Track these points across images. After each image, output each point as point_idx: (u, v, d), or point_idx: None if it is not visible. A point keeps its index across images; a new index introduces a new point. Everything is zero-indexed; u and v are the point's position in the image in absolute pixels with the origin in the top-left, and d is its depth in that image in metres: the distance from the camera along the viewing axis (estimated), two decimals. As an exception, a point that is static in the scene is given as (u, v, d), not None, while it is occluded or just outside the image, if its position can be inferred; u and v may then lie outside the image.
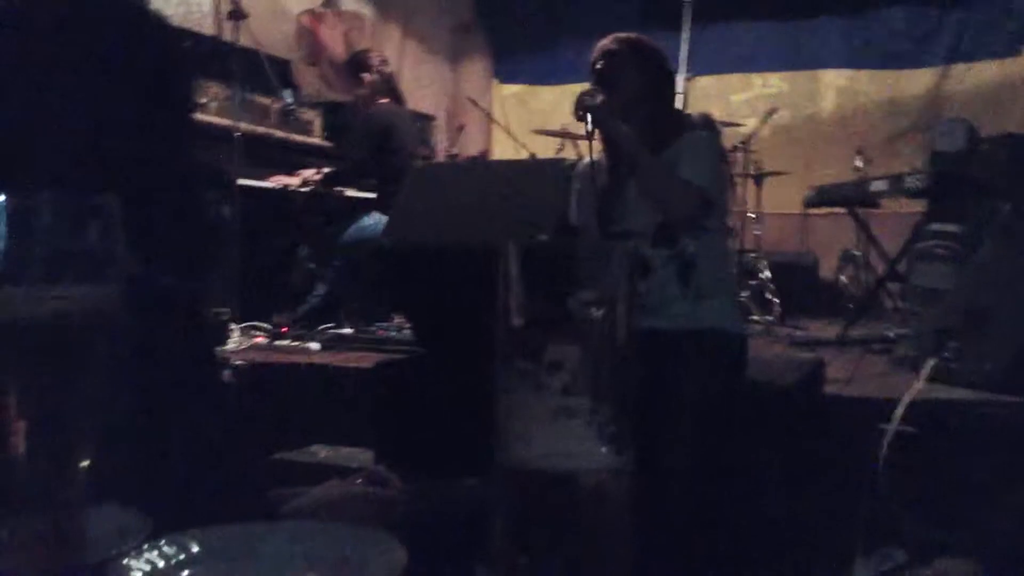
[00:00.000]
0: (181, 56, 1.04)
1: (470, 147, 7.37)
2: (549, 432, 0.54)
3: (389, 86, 4.82)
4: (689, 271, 2.54)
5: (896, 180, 4.50)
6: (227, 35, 4.45)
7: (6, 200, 0.48)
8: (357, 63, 4.84)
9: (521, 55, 8.50)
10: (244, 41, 4.36)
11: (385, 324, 4.53)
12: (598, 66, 2.69)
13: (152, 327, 0.78)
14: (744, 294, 5.35)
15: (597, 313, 0.55)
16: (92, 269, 0.50)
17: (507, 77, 8.64)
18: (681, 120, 2.79)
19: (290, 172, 4.67)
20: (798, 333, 4.80)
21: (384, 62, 4.89)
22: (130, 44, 0.90)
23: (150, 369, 0.81)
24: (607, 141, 2.67)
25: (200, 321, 1.11)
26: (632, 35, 2.80)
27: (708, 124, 2.85)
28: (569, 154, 6.04)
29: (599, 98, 2.59)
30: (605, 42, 2.78)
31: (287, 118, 4.87)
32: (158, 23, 0.98)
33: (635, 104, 2.62)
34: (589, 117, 2.56)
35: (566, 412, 0.54)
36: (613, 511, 0.56)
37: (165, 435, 0.90)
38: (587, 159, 2.78)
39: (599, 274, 0.57)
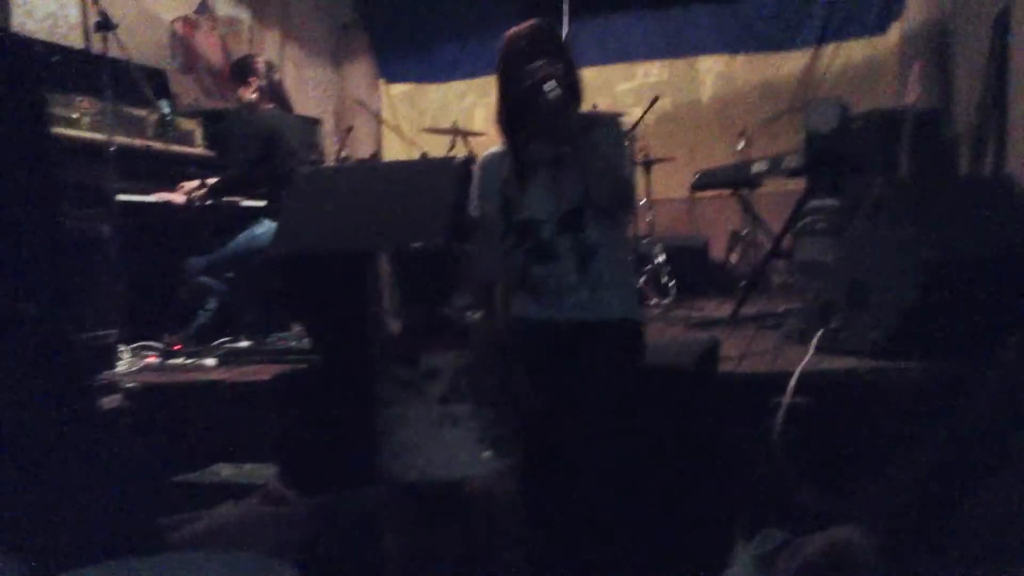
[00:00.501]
0: (30, 70, 0.98)
1: (360, 149, 7.30)
2: (432, 441, 0.53)
3: (275, 92, 4.73)
4: (590, 260, 2.56)
5: (775, 160, 4.67)
6: (96, 47, 4.27)
7: None
8: (242, 69, 4.73)
9: (406, 54, 8.45)
10: (114, 52, 4.19)
11: (284, 334, 4.44)
12: (531, 45, 2.59)
13: (12, 359, 0.74)
14: (640, 279, 5.46)
15: (473, 317, 0.55)
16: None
17: (393, 76, 8.57)
18: (587, 115, 2.76)
19: (172, 185, 4.52)
20: (693, 314, 4.91)
21: (271, 67, 4.79)
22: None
23: (15, 403, 0.77)
24: (527, 125, 2.62)
25: (69, 347, 1.05)
26: (551, 23, 2.73)
27: (614, 121, 2.83)
28: (460, 151, 6.04)
29: (560, 66, 2.52)
30: (524, 28, 2.67)
31: (165, 129, 4.71)
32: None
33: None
34: (554, 84, 2.47)
35: (447, 420, 0.53)
36: (501, 513, 0.56)
37: (40, 472, 0.85)
38: (493, 149, 2.75)
39: (472, 277, 0.57)
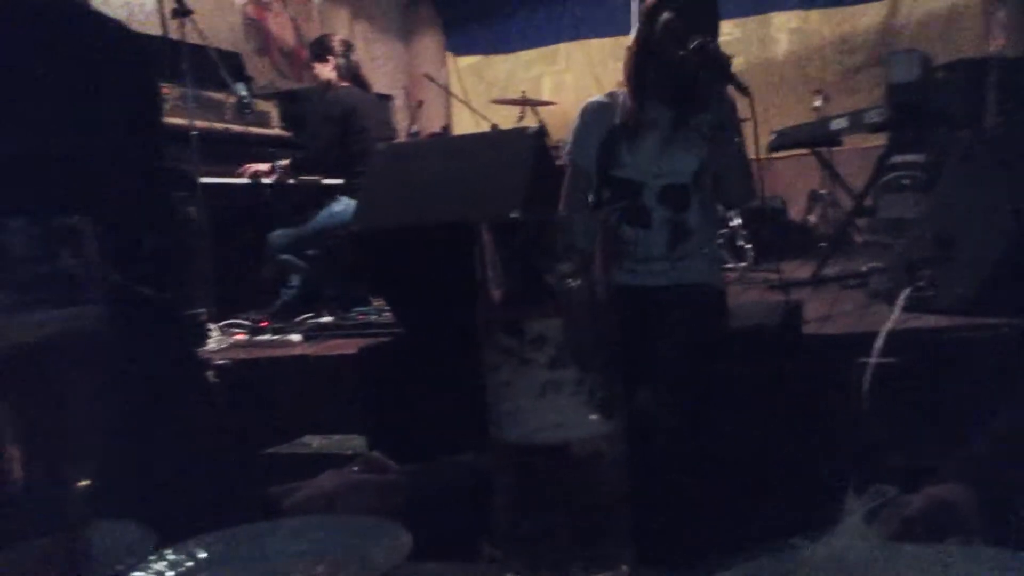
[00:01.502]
0: (150, 65, 1.03)
1: (430, 123, 7.34)
2: (539, 406, 0.54)
3: (352, 71, 4.79)
4: (683, 238, 2.51)
5: (856, 116, 4.53)
6: (173, 33, 4.38)
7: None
8: (320, 48, 4.80)
9: (473, 26, 8.45)
10: (191, 38, 4.31)
11: (365, 308, 4.52)
12: (689, 6, 2.46)
13: (134, 338, 0.78)
14: (718, 243, 5.38)
15: (575, 284, 0.56)
16: (70, 292, 0.50)
17: (461, 49, 8.58)
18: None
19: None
20: (773, 277, 4.83)
21: (349, 47, 4.84)
22: (102, 60, 0.89)
23: (137, 381, 0.81)
24: (664, 86, 2.51)
25: (179, 325, 1.11)
26: None
27: (732, 100, 2.63)
28: (530, 122, 6.03)
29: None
30: None
31: (243, 112, 4.81)
32: (126, 33, 0.96)
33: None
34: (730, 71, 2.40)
35: (554, 385, 0.54)
36: (609, 474, 0.58)
37: (159, 445, 0.90)
38: (597, 98, 2.64)
39: (574, 245, 0.58)
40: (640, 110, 2.53)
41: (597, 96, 2.67)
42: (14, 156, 0.82)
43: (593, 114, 2.60)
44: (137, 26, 4.54)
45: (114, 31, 0.95)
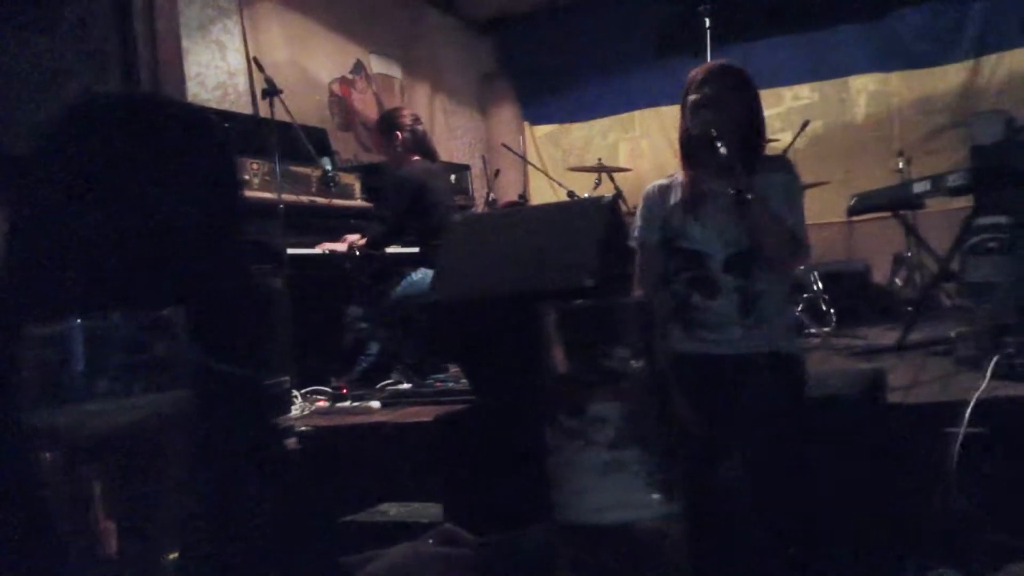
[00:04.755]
0: (229, 147, 1.09)
1: (508, 191, 7.46)
2: (601, 486, 0.56)
3: (421, 143, 4.86)
4: (753, 304, 2.54)
5: (938, 180, 4.43)
6: (263, 112, 4.59)
7: (81, 323, 0.52)
8: (388, 122, 4.90)
9: (548, 96, 8.61)
10: (280, 115, 4.50)
11: (442, 376, 4.56)
12: (704, 89, 2.62)
13: (218, 416, 0.82)
14: (798, 308, 5.28)
15: (636, 367, 0.58)
16: (162, 377, 0.54)
17: (537, 119, 8.73)
18: (762, 160, 2.72)
19: (336, 237, 4.77)
20: (856, 343, 4.73)
21: (415, 119, 4.91)
22: (182, 148, 0.95)
23: (222, 456, 0.85)
24: (703, 162, 2.64)
25: (261, 397, 1.15)
26: (733, 64, 2.77)
27: (788, 165, 2.81)
28: (606, 188, 6.08)
29: (728, 116, 2.57)
30: (706, 67, 2.72)
31: (328, 185, 4.96)
32: (204, 119, 1.03)
33: (733, 133, 2.57)
34: (720, 143, 2.51)
35: (615, 466, 0.56)
36: (672, 555, 0.58)
37: (243, 517, 0.94)
38: (658, 181, 2.81)
39: (634, 329, 0.60)
40: (697, 185, 2.65)
41: (658, 180, 2.82)
42: (107, 249, 0.88)
43: (652, 197, 2.76)
44: (229, 105, 4.79)
45: (196, 118, 1.02)
